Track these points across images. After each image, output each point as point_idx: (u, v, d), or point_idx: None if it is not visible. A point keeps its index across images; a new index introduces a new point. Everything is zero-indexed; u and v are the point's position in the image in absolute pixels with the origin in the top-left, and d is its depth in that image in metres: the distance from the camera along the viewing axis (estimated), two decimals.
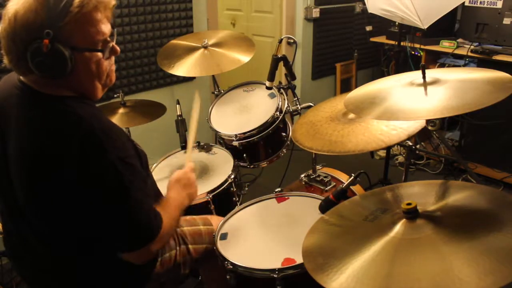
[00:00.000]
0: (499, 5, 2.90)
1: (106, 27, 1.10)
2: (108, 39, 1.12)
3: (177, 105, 2.23)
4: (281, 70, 2.03)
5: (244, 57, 2.13)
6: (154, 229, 1.13)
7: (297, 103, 2.03)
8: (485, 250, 0.80)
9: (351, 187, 1.54)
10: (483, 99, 1.05)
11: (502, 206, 0.94)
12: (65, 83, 1.09)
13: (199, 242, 1.50)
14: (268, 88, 1.99)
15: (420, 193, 1.11)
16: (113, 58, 1.18)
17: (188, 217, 1.57)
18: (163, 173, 1.98)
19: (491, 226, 0.87)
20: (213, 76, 2.35)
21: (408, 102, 1.17)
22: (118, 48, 1.16)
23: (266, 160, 2.03)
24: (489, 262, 0.77)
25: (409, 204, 0.95)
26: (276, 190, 1.71)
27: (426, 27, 2.65)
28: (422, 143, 3.47)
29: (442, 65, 3.27)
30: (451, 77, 1.22)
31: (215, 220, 1.59)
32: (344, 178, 1.94)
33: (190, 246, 1.47)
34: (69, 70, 1.04)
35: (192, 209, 1.76)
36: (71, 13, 1.01)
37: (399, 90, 1.24)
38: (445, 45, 3.22)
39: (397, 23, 3.17)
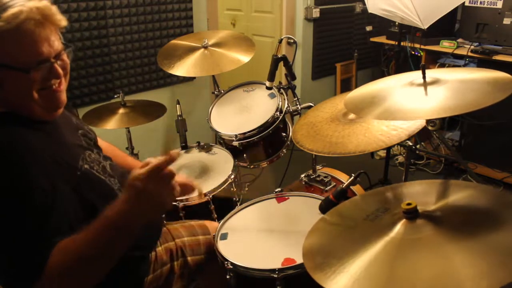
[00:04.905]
0: (499, 5, 2.89)
1: (45, 47, 1.00)
2: (52, 59, 1.02)
3: (177, 105, 2.23)
4: (281, 70, 2.03)
5: (244, 57, 2.13)
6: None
7: (297, 103, 2.03)
8: (486, 251, 0.80)
9: (351, 187, 1.54)
10: (483, 99, 1.05)
11: (502, 206, 0.93)
12: None
13: (198, 253, 1.49)
14: (268, 88, 1.99)
15: (420, 192, 1.11)
16: (60, 80, 1.06)
17: (186, 224, 1.56)
18: None
19: (492, 225, 0.87)
20: (213, 76, 2.35)
21: (408, 102, 1.17)
22: (59, 71, 1.05)
23: (266, 160, 2.03)
24: (490, 262, 0.77)
25: (409, 204, 0.95)
26: (276, 190, 1.71)
27: (426, 27, 2.66)
28: (422, 143, 3.48)
29: (442, 65, 3.27)
30: (451, 77, 1.22)
31: (214, 225, 1.58)
32: (344, 178, 1.94)
33: (188, 258, 1.46)
34: None
35: (193, 210, 1.77)
36: None
37: (399, 90, 1.24)
38: (445, 45, 3.22)
39: (397, 23, 3.18)
